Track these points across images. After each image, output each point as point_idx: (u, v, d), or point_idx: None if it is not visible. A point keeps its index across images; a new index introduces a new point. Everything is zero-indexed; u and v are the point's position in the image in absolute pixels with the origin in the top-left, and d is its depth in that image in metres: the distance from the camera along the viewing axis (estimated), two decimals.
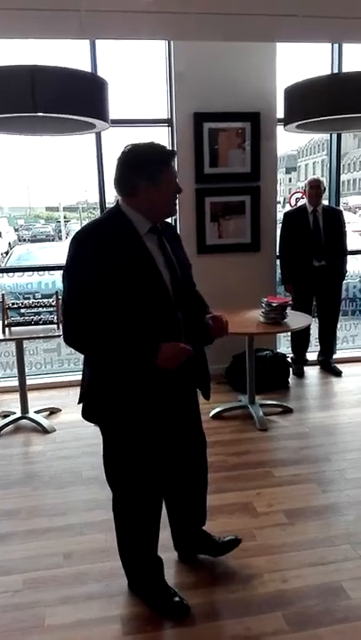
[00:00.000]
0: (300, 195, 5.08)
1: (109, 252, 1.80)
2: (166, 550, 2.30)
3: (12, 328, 3.90)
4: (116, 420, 1.95)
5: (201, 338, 2.05)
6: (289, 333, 4.80)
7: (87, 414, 1.98)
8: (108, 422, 1.98)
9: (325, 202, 4.81)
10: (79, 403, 2.01)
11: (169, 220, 2.17)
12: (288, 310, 3.84)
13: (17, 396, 4.01)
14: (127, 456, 1.99)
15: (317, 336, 4.91)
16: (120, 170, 1.90)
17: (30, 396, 4.06)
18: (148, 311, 1.84)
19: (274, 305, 3.72)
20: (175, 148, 4.46)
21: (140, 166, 1.86)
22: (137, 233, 1.88)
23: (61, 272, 5.38)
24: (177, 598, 2.09)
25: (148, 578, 2.14)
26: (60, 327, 3.90)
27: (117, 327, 1.80)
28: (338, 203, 5.08)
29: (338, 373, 4.77)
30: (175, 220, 4.45)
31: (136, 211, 1.89)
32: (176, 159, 1.96)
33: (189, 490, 2.26)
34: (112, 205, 2.02)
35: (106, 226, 1.91)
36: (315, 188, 4.56)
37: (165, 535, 2.25)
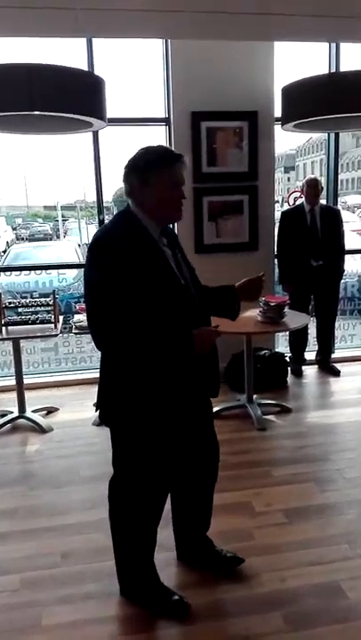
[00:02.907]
0: (298, 194, 5.07)
1: (132, 259, 1.79)
2: (166, 550, 2.29)
3: (10, 327, 3.88)
4: (128, 424, 1.94)
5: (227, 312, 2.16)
6: (287, 333, 4.79)
7: (105, 418, 2.00)
8: (121, 426, 1.97)
9: (323, 201, 4.80)
10: (96, 409, 2.03)
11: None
12: (286, 310, 3.83)
13: (14, 395, 3.99)
14: (137, 459, 1.98)
15: (315, 335, 4.91)
16: (126, 171, 1.91)
17: (27, 395, 4.05)
18: (174, 312, 1.86)
19: (272, 304, 3.71)
20: (173, 148, 4.45)
21: (134, 166, 1.88)
22: (151, 237, 1.89)
23: (57, 271, 5.34)
24: (176, 597, 2.09)
25: (144, 580, 2.13)
26: (58, 326, 3.90)
27: (149, 329, 1.80)
28: (336, 202, 5.08)
29: (336, 373, 4.76)
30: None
31: (145, 214, 1.89)
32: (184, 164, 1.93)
33: (196, 493, 2.24)
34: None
35: (123, 232, 1.88)
36: (312, 188, 4.55)
37: (164, 534, 2.23)
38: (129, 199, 1.92)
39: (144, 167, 1.86)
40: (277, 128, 4.49)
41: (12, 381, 4.07)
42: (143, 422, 1.91)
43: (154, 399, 1.87)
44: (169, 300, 1.86)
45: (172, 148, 1.96)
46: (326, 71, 4.69)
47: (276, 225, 4.73)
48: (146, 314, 1.80)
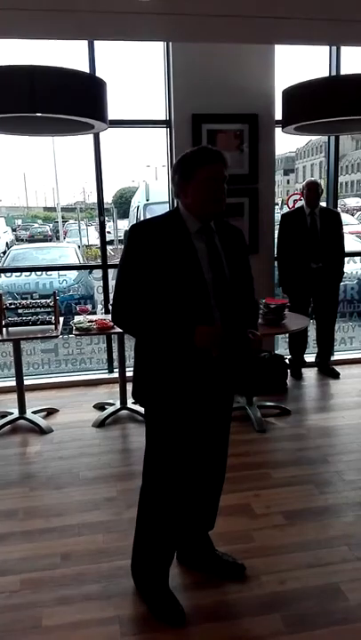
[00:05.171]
0: (298, 196, 5.08)
1: (156, 247, 1.90)
2: None
3: (10, 328, 3.89)
4: (156, 403, 2.01)
5: (242, 348, 2.06)
6: (287, 335, 4.80)
7: (135, 396, 2.09)
8: (150, 404, 2.05)
9: (323, 203, 4.81)
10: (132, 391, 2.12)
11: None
12: (286, 312, 3.84)
13: (14, 396, 4.00)
14: (165, 441, 2.02)
15: (315, 338, 4.92)
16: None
17: (28, 396, 4.05)
18: (186, 305, 1.91)
19: (272, 307, 3.72)
20: (173, 150, 4.46)
21: (176, 167, 2.00)
22: (187, 231, 1.96)
23: (58, 272, 5.38)
24: (176, 603, 2.08)
25: (155, 578, 2.14)
26: (59, 328, 3.90)
27: (158, 313, 1.91)
28: (335, 204, 5.09)
29: (335, 375, 4.77)
30: None
31: (187, 210, 1.98)
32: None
33: (204, 490, 2.25)
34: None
35: (160, 222, 2.03)
36: (312, 190, 4.57)
37: None
38: (177, 199, 2.04)
39: (183, 166, 1.97)
40: (278, 131, 4.51)
41: (13, 382, 4.08)
42: (166, 401, 1.97)
43: (172, 378, 1.94)
44: (182, 291, 1.90)
45: (212, 148, 2.05)
46: (327, 74, 4.71)
47: (277, 227, 4.74)
48: (155, 298, 1.90)
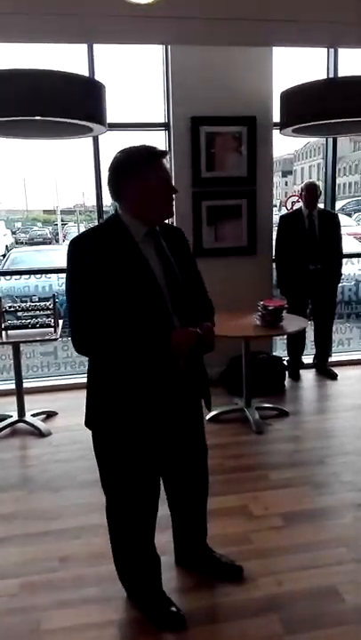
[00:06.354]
0: (296, 198, 5.09)
1: (103, 258, 1.78)
2: (164, 554, 2.29)
3: (9, 331, 3.90)
4: (111, 427, 1.92)
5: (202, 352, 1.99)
6: (285, 336, 4.81)
7: (90, 422, 1.99)
8: (103, 429, 1.96)
9: (321, 205, 4.82)
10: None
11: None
12: (284, 313, 3.85)
13: (14, 399, 4.01)
14: (120, 461, 1.96)
15: (313, 339, 4.92)
16: (108, 174, 1.90)
17: (27, 399, 4.06)
18: (144, 315, 1.82)
19: (270, 308, 3.73)
20: (172, 152, 4.46)
21: (122, 167, 1.85)
22: (132, 238, 1.85)
23: (57, 275, 5.37)
24: (173, 608, 2.07)
25: (143, 586, 2.13)
26: (58, 331, 3.91)
27: (123, 326, 1.79)
28: (333, 206, 5.10)
29: (333, 376, 4.78)
30: (172, 224, 4.44)
31: (130, 215, 1.86)
32: (170, 160, 1.92)
33: (190, 500, 2.24)
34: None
35: (101, 232, 1.92)
36: (311, 192, 4.58)
37: (162, 539, 2.23)
38: (115, 201, 1.91)
39: (127, 167, 1.84)
40: (275, 133, 4.52)
41: (12, 385, 4.08)
42: (122, 423, 1.89)
43: (135, 400, 1.86)
44: (138, 301, 1.81)
45: (154, 146, 1.91)
46: (325, 76, 4.73)
47: (275, 229, 4.75)
48: (113, 312, 1.78)
